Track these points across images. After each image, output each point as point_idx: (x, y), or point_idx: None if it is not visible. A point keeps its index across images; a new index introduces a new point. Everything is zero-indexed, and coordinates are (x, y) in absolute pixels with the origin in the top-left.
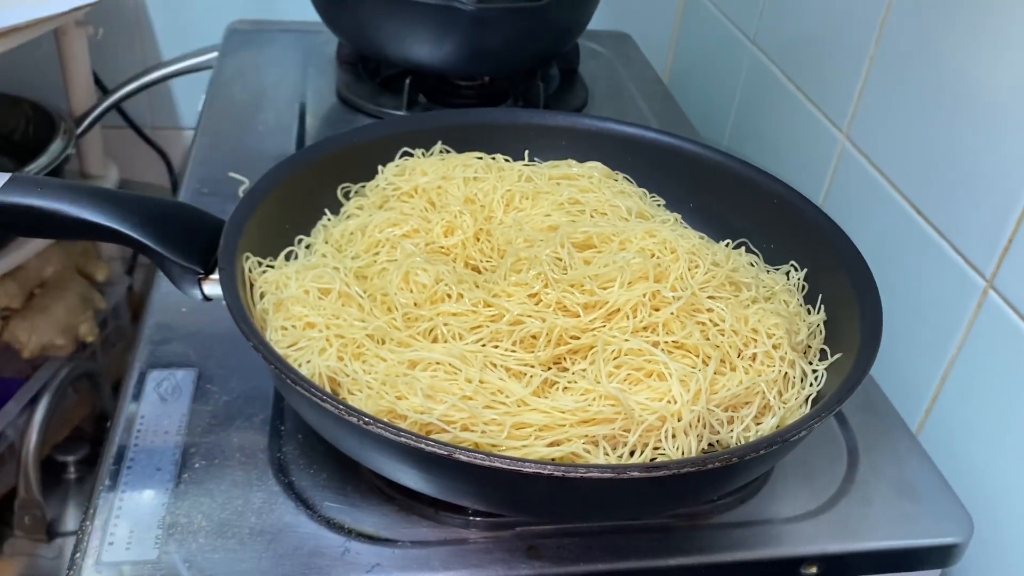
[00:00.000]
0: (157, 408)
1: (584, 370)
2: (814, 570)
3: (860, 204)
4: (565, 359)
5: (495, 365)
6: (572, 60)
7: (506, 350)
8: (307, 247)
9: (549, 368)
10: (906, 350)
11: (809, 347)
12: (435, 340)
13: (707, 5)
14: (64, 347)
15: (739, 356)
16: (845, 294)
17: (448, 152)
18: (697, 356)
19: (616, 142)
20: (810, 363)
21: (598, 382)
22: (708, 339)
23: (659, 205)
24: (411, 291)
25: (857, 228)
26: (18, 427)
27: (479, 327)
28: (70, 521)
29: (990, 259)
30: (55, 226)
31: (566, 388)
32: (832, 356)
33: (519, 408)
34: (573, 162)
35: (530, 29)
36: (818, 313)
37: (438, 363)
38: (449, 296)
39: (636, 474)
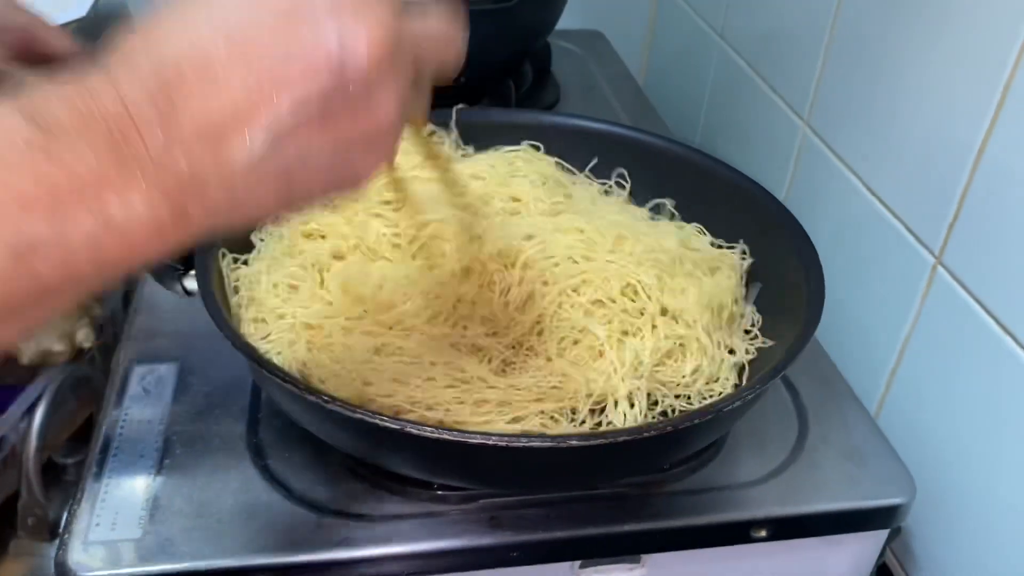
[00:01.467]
0: (141, 400)
1: (539, 348)
2: (764, 532)
3: (821, 189)
4: (524, 341)
5: (457, 348)
6: (544, 59)
7: (466, 332)
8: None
9: (512, 348)
10: (864, 328)
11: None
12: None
13: (678, 1)
14: (62, 353)
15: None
16: (795, 273)
17: None
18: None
19: (581, 137)
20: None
21: (550, 360)
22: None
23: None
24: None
25: (819, 212)
26: (19, 432)
27: (436, 315)
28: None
29: (937, 236)
30: None
31: (521, 367)
32: (780, 331)
33: (479, 385)
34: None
35: (499, 29)
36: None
37: (401, 348)
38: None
39: (575, 443)
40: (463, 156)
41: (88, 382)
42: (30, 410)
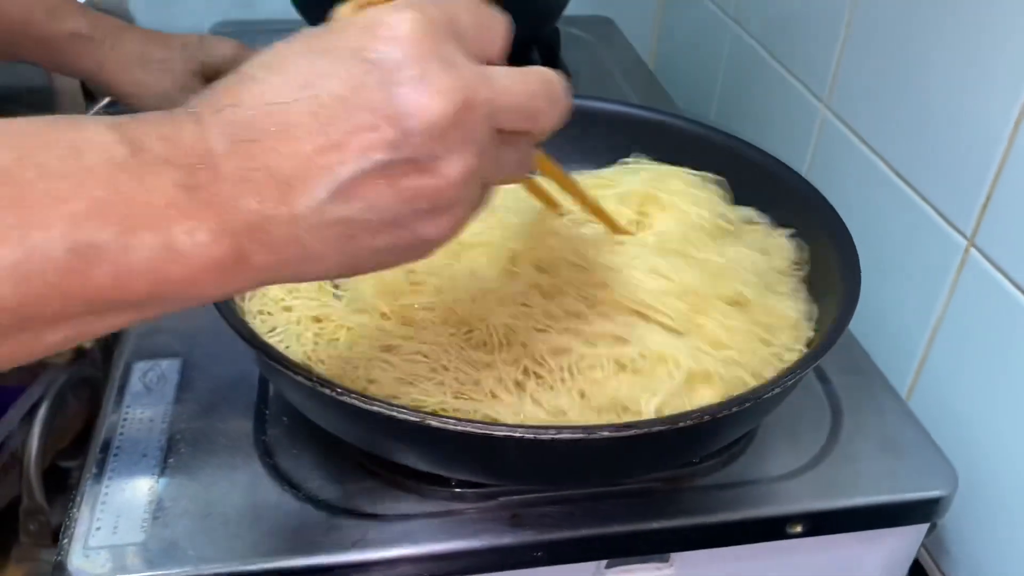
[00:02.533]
0: (143, 398)
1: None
2: (799, 528)
3: (843, 172)
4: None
5: (471, 360)
6: (553, 46)
7: (479, 343)
8: None
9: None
10: (894, 314)
11: None
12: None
13: None
14: (63, 354)
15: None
16: (829, 259)
17: None
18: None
19: (601, 120)
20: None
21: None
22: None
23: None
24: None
25: (841, 196)
26: (20, 435)
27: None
28: None
29: (969, 218)
30: None
31: (537, 388)
32: (816, 316)
33: (491, 399)
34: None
35: (507, 14)
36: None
37: (412, 348)
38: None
39: (607, 434)
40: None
41: (89, 383)
42: (31, 413)
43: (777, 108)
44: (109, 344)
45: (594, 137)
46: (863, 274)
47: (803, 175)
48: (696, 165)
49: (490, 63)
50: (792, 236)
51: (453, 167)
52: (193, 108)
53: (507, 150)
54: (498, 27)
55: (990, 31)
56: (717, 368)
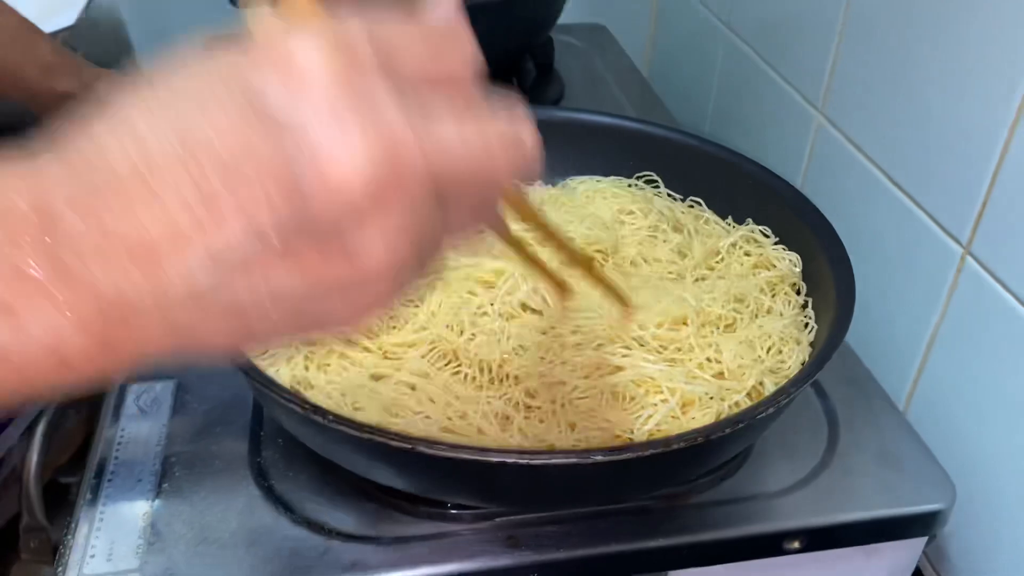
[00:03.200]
0: (137, 421)
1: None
2: (797, 544)
3: (838, 180)
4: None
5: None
6: (547, 54)
7: (467, 376)
8: None
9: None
10: (891, 324)
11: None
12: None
13: None
14: None
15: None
16: (823, 272)
17: None
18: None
19: (591, 132)
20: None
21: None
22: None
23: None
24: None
25: (836, 204)
26: (19, 452)
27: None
28: None
29: (965, 226)
30: None
31: (524, 422)
32: (812, 330)
33: (478, 436)
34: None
35: (499, 24)
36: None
37: (400, 379)
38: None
39: (600, 458)
40: None
41: (88, 399)
42: (30, 429)
43: (772, 115)
44: None
45: (586, 149)
46: (859, 283)
47: (799, 182)
48: (688, 177)
49: (453, 102)
50: (787, 249)
51: (370, 247)
52: (37, 147)
53: (457, 211)
54: (458, 53)
55: (984, 39)
56: (710, 391)
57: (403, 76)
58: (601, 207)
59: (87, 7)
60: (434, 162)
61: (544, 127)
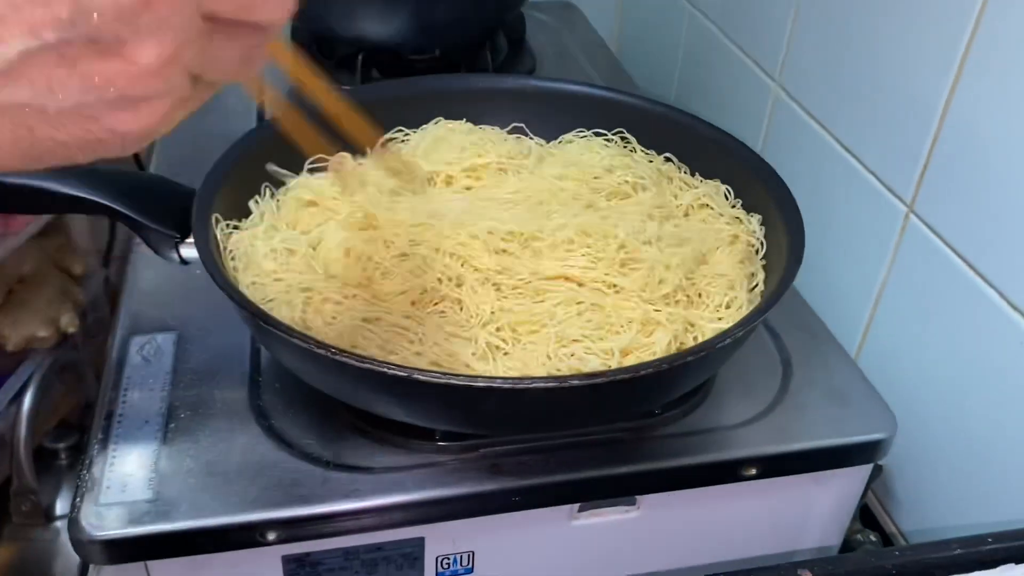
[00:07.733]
0: (141, 369)
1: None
2: (753, 471)
3: (795, 147)
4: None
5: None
6: (519, 30)
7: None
8: (277, 201)
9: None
10: (842, 280)
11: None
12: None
13: None
14: (47, 339)
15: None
16: (777, 222)
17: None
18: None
19: (564, 101)
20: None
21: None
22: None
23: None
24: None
25: (793, 169)
26: (8, 419)
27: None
28: (65, 505)
29: (909, 186)
30: (44, 202)
31: (506, 354)
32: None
33: (465, 370)
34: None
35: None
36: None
37: (392, 320)
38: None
39: (576, 382)
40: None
41: (73, 367)
42: (18, 397)
43: (733, 87)
44: (91, 330)
45: (556, 115)
46: (813, 241)
47: (758, 149)
48: (655, 142)
49: None
50: (746, 208)
51: (145, 52)
52: None
53: (223, 42)
54: None
55: (927, 8)
56: (667, 317)
57: None
58: (593, 159)
59: None
60: None
61: (521, 95)
